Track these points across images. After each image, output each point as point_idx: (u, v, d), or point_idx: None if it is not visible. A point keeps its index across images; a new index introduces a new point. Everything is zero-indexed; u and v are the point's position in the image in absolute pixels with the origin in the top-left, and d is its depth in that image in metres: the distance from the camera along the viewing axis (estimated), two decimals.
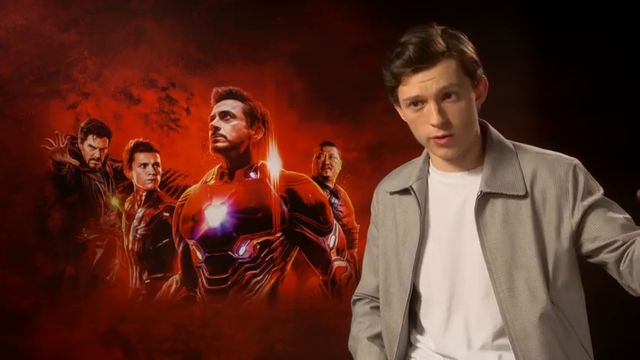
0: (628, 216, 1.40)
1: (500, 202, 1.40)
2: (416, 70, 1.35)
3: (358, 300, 1.69)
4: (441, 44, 1.35)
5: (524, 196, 1.39)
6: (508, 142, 1.48)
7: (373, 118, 2.95)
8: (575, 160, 1.43)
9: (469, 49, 1.39)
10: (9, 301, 2.96)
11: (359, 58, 2.94)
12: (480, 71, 1.41)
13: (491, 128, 1.49)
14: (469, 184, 1.43)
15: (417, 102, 1.37)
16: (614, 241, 1.36)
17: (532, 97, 2.94)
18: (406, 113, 1.42)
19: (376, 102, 2.95)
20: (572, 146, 2.87)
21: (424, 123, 1.38)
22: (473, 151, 1.44)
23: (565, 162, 1.41)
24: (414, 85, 1.36)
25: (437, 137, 1.37)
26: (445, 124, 1.35)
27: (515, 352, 1.37)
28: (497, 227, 1.39)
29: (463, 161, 1.45)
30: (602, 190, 1.42)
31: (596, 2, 2.92)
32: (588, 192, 1.39)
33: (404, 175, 1.56)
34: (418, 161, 1.54)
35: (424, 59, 1.34)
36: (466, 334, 1.42)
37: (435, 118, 1.35)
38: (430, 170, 1.51)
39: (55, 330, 2.97)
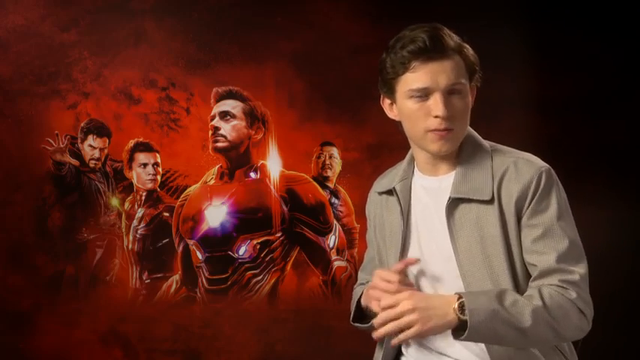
0: (559, 253, 1.33)
1: (471, 206, 1.39)
2: (428, 59, 1.34)
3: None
4: (452, 40, 1.36)
5: (491, 201, 1.37)
6: (485, 144, 1.46)
7: (373, 118, 2.95)
8: (545, 167, 1.39)
9: (472, 53, 1.40)
10: (9, 301, 2.96)
11: (359, 58, 2.94)
12: (477, 78, 1.42)
13: (469, 131, 1.46)
14: (444, 189, 1.43)
15: (420, 94, 1.36)
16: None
17: (531, 98, 2.95)
18: (405, 104, 1.39)
19: (376, 102, 2.91)
20: (570, 146, 2.89)
21: (425, 115, 1.37)
22: (452, 155, 1.44)
23: (534, 167, 1.38)
24: (424, 75, 1.34)
25: (437, 130, 1.36)
26: (449, 117, 1.35)
27: (490, 353, 1.37)
28: (467, 232, 1.38)
29: (443, 164, 1.45)
30: (557, 205, 1.36)
31: (595, 2, 2.92)
32: (544, 204, 1.35)
33: (391, 175, 1.57)
34: (404, 161, 1.55)
35: (438, 50, 1.34)
36: (445, 333, 1.41)
37: (441, 110, 1.34)
38: (415, 173, 1.51)
39: (55, 330, 2.97)
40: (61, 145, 2.96)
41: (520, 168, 1.38)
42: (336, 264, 3.02)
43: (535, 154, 1.48)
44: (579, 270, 1.34)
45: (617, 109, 2.94)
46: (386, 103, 1.47)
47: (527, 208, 1.36)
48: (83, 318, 2.98)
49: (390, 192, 1.52)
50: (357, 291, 1.62)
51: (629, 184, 2.92)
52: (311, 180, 3.02)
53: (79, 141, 2.98)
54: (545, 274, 1.34)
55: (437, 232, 1.43)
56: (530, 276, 1.38)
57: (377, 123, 2.95)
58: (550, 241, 1.34)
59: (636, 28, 2.93)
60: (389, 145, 2.91)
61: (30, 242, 2.97)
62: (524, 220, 1.36)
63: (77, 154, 2.98)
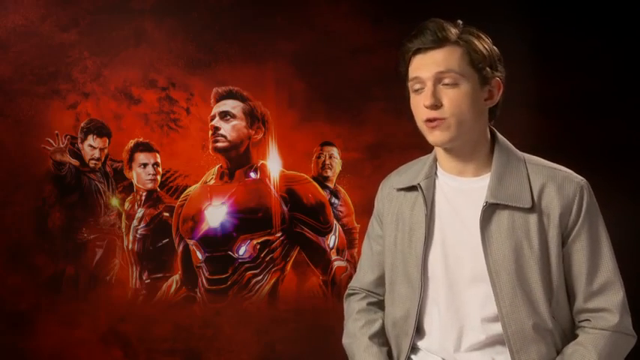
0: (609, 268, 1.40)
1: (507, 213, 1.38)
2: (418, 51, 1.37)
3: (353, 294, 1.68)
4: (452, 32, 1.37)
5: (531, 209, 1.37)
6: (517, 151, 1.46)
7: (373, 118, 2.95)
8: (584, 181, 1.41)
9: (484, 46, 1.38)
10: (9, 301, 2.96)
11: (359, 58, 2.94)
12: (490, 70, 1.38)
13: (500, 136, 1.47)
14: (476, 192, 1.41)
15: (418, 86, 1.38)
16: (575, 299, 1.41)
17: (531, 97, 2.94)
18: (410, 98, 1.42)
19: (376, 102, 2.95)
20: (571, 146, 2.89)
21: (420, 106, 1.38)
22: (480, 157, 1.43)
23: (574, 182, 1.40)
24: (415, 66, 1.38)
25: (428, 119, 1.37)
26: (437, 106, 1.35)
27: None
28: (502, 239, 1.37)
29: (470, 166, 1.43)
30: (601, 220, 1.42)
31: (595, 2, 2.92)
32: (589, 220, 1.39)
33: (412, 171, 1.54)
34: (427, 159, 1.52)
35: (429, 42, 1.36)
36: (458, 338, 1.42)
37: (427, 99, 1.35)
38: (438, 172, 1.49)
39: (55, 330, 2.97)
40: (61, 145, 2.96)
41: (561, 182, 1.39)
42: (336, 264, 3.02)
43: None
44: (622, 285, 1.41)
45: (617, 109, 2.94)
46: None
47: (574, 224, 1.38)
48: (83, 318, 2.98)
49: (411, 188, 1.50)
50: (354, 328, 1.61)
51: (629, 183, 2.92)
52: (311, 180, 3.02)
53: (79, 141, 2.98)
54: (598, 292, 1.38)
55: (465, 234, 1.41)
56: (564, 284, 1.40)
57: (377, 123, 2.95)
58: (597, 258, 1.39)
59: (636, 28, 2.93)
60: (389, 145, 2.91)
61: (30, 242, 2.97)
62: (570, 235, 1.38)
63: (77, 154, 2.98)
